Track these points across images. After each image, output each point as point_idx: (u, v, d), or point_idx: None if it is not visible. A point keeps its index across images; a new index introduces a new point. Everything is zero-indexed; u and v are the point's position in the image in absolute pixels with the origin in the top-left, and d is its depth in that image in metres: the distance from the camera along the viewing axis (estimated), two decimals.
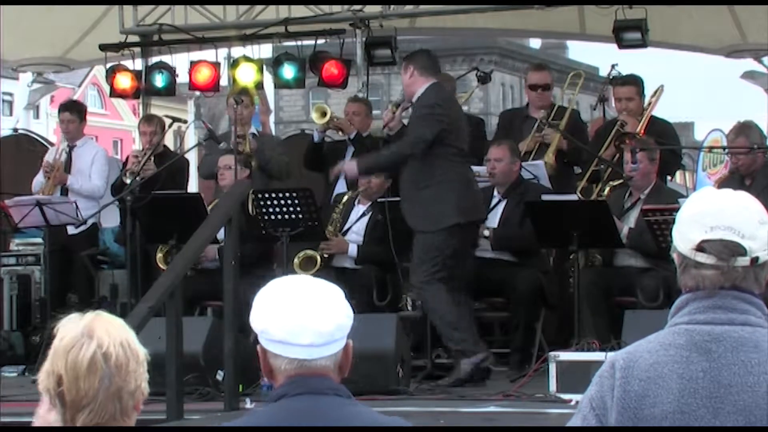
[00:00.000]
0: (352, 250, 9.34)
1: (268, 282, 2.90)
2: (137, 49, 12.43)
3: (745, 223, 2.69)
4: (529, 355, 8.73)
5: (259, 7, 12.28)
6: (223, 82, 12.43)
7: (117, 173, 10.66)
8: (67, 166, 10.71)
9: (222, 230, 8.12)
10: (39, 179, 10.74)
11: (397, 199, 8.72)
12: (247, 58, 11.87)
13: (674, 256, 2.76)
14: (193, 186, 12.61)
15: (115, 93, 12.72)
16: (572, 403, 6.85)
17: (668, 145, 9.18)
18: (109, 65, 12.42)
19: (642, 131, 9.14)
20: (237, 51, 12.42)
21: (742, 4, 11.41)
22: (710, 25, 12.21)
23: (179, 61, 12.50)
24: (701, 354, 2.66)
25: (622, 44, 11.27)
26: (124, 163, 10.67)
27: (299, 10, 12.05)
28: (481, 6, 11.81)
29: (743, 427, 2.60)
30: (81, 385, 2.56)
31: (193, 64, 12.22)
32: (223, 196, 8.97)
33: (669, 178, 10.08)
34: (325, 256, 9.34)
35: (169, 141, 14.56)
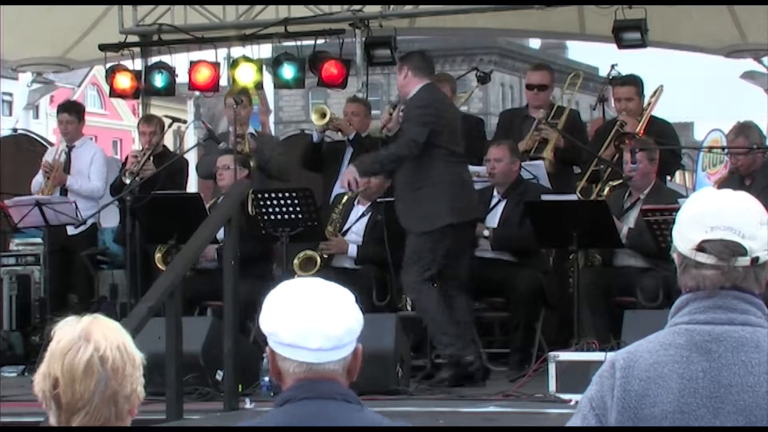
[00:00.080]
0: (352, 250, 9.34)
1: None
2: (137, 49, 12.43)
3: (745, 223, 2.69)
4: (529, 355, 8.74)
5: (258, 7, 12.28)
6: (223, 82, 12.43)
7: (116, 173, 10.66)
8: (66, 166, 10.71)
9: (221, 230, 8.13)
10: (38, 179, 10.74)
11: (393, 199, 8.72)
12: (247, 58, 11.87)
13: (674, 256, 2.76)
14: (192, 186, 12.60)
15: (114, 93, 12.72)
16: (572, 403, 6.85)
17: (668, 145, 9.18)
18: (108, 65, 12.42)
19: (642, 131, 9.14)
20: (237, 51, 12.43)
21: (742, 4, 11.41)
22: (710, 25, 12.21)
23: (179, 61, 12.50)
24: (701, 354, 2.66)
25: (622, 44, 11.27)
26: (124, 163, 10.67)
27: (299, 10, 12.05)
28: (480, 6, 11.81)
29: (743, 427, 2.60)
30: (77, 388, 2.56)
31: (193, 64, 12.22)
32: (223, 196, 8.98)
33: (669, 178, 10.08)
34: (325, 256, 9.34)
35: (168, 141, 14.56)
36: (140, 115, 12.31)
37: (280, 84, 12.46)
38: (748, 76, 13.62)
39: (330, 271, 8.98)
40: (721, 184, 9.07)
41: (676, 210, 2.83)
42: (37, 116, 41.04)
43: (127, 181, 9.94)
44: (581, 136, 9.91)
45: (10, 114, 42.30)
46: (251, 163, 9.85)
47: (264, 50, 12.58)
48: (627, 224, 8.61)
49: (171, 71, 12.23)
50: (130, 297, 9.59)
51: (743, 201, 2.74)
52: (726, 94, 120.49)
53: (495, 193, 9.21)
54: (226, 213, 7.77)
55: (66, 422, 2.58)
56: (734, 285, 2.69)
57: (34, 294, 10.84)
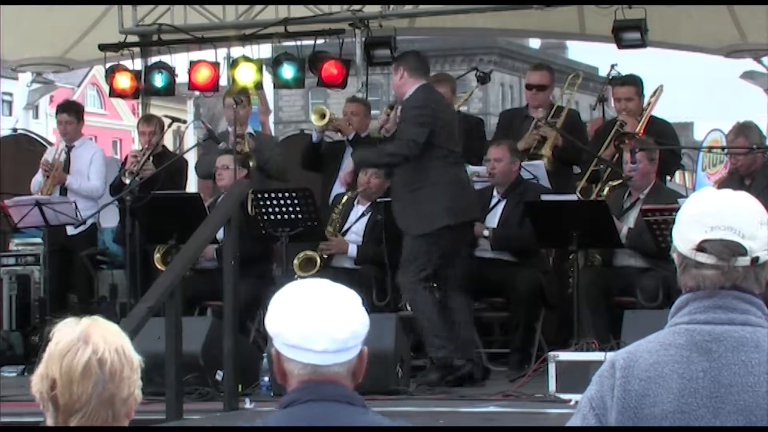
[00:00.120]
0: (352, 250, 9.34)
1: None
2: (136, 49, 12.43)
3: (745, 223, 2.69)
4: (529, 355, 8.74)
5: (258, 7, 12.28)
6: (223, 82, 12.43)
7: (116, 173, 10.66)
8: (66, 166, 10.71)
9: (220, 230, 8.13)
10: (38, 179, 10.74)
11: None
12: (247, 58, 11.87)
13: (674, 256, 2.76)
14: (192, 186, 12.60)
15: (114, 93, 12.72)
16: (571, 403, 6.85)
17: (668, 145, 9.18)
18: (108, 65, 12.42)
19: (641, 131, 9.14)
20: (236, 51, 12.43)
21: (742, 4, 11.41)
22: (710, 25, 12.21)
23: (178, 61, 12.50)
24: (701, 354, 2.66)
25: (622, 44, 11.27)
26: (123, 163, 10.67)
27: (299, 10, 12.05)
28: (480, 6, 11.81)
29: (744, 427, 2.60)
30: (74, 390, 2.56)
31: (193, 64, 12.22)
32: (223, 196, 8.98)
33: (668, 178, 10.07)
34: (325, 256, 9.34)
35: (168, 141, 14.57)
36: (140, 115, 12.31)
37: (279, 84, 12.47)
38: (748, 76, 13.62)
39: (330, 271, 8.98)
40: (721, 184, 9.07)
41: (676, 210, 2.83)
42: (36, 116, 41.01)
43: (127, 181, 9.94)
44: (581, 135, 9.91)
45: (10, 114, 42.29)
46: (251, 164, 9.85)
47: (264, 50, 12.59)
48: (627, 224, 8.61)
49: (171, 71, 12.23)
50: (130, 297, 9.59)
51: (743, 201, 2.74)
52: (726, 94, 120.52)
53: (495, 193, 9.21)
54: (226, 213, 7.77)
55: (63, 423, 2.58)
56: (734, 285, 2.69)
57: (34, 294, 10.84)
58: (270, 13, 12.20)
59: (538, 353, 8.65)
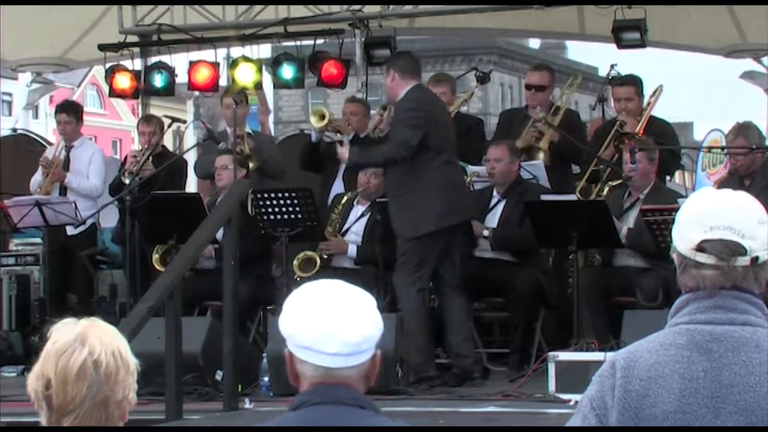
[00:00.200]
0: (352, 250, 9.34)
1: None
2: (136, 49, 12.43)
3: (744, 222, 2.69)
4: (529, 355, 8.73)
5: (258, 7, 12.28)
6: (223, 82, 12.43)
7: (115, 173, 10.66)
8: (65, 166, 10.72)
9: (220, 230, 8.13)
10: (37, 177, 10.75)
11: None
12: (246, 58, 11.87)
13: (674, 256, 2.76)
14: (191, 186, 12.61)
15: (114, 93, 12.71)
16: (571, 403, 6.85)
17: (667, 145, 9.18)
18: (108, 65, 12.41)
19: (641, 131, 9.14)
20: (236, 51, 12.43)
21: (742, 4, 11.41)
22: (709, 25, 12.21)
23: (178, 61, 12.50)
24: (702, 354, 2.66)
25: (621, 44, 11.27)
26: (123, 163, 10.67)
27: (298, 10, 12.05)
28: (480, 6, 11.81)
29: (745, 428, 2.60)
30: (69, 391, 2.56)
31: (192, 64, 12.22)
32: (223, 196, 8.98)
33: (668, 178, 10.07)
34: (325, 256, 9.34)
35: (168, 141, 14.56)
36: (140, 115, 12.31)
37: (279, 84, 12.46)
38: (748, 76, 13.62)
39: (329, 271, 8.98)
40: (721, 184, 9.07)
41: (676, 210, 2.83)
42: (36, 116, 41.00)
43: (127, 181, 9.95)
44: (580, 135, 9.90)
45: (10, 114, 42.28)
46: (251, 165, 9.85)
47: (263, 50, 12.60)
48: (626, 224, 8.61)
49: (170, 71, 12.23)
50: (130, 297, 9.59)
51: (742, 201, 2.74)
52: (725, 94, 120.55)
53: (495, 193, 9.21)
54: (226, 213, 7.77)
55: (56, 423, 2.59)
56: (734, 285, 2.69)
57: (34, 294, 10.84)
58: (270, 13, 12.20)
59: (537, 353, 8.65)
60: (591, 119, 13.57)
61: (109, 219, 11.07)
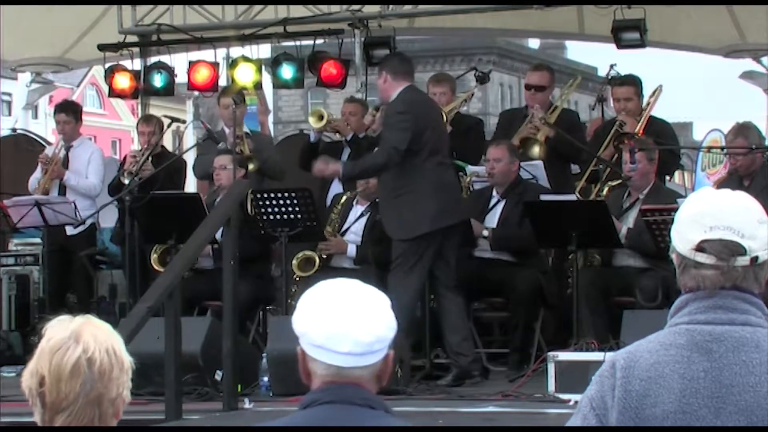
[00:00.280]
0: (351, 250, 9.34)
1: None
2: (136, 49, 12.44)
3: (744, 222, 2.69)
4: (528, 355, 8.73)
5: (257, 7, 12.28)
6: (222, 82, 12.44)
7: (115, 173, 10.66)
8: (65, 165, 10.72)
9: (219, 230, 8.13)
10: (36, 176, 10.75)
11: None
12: (246, 58, 11.87)
13: (673, 256, 2.75)
14: (191, 186, 12.61)
15: (113, 93, 12.72)
16: (571, 403, 6.85)
17: (667, 145, 9.18)
18: (107, 65, 12.42)
19: (641, 131, 9.14)
20: (236, 51, 12.43)
21: (741, 4, 11.42)
22: (709, 25, 12.21)
23: (178, 61, 12.51)
24: (702, 354, 2.66)
25: (621, 44, 11.27)
26: (122, 163, 10.67)
27: (298, 10, 12.05)
28: (480, 6, 11.81)
29: (745, 428, 2.60)
30: (62, 388, 2.56)
31: (192, 64, 12.22)
32: (222, 196, 8.98)
33: (668, 178, 10.07)
34: (324, 256, 9.34)
35: (167, 141, 14.57)
36: (139, 115, 12.32)
37: (279, 84, 12.47)
38: (747, 76, 13.62)
39: (329, 271, 8.98)
40: (720, 184, 9.07)
41: (675, 210, 2.83)
42: (36, 116, 41.00)
43: (126, 181, 9.95)
44: (579, 135, 9.90)
45: (9, 114, 42.27)
46: (250, 165, 9.85)
47: (263, 50, 12.60)
48: (626, 224, 8.61)
49: (170, 71, 12.23)
50: (129, 297, 9.59)
51: (742, 201, 2.74)
52: (725, 94, 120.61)
53: (494, 193, 9.20)
54: (226, 213, 7.77)
55: (49, 421, 2.59)
56: (734, 285, 2.68)
57: (33, 294, 10.85)
58: (269, 13, 12.20)
59: (537, 353, 8.64)
60: (590, 119, 13.59)
61: (109, 219, 11.07)
